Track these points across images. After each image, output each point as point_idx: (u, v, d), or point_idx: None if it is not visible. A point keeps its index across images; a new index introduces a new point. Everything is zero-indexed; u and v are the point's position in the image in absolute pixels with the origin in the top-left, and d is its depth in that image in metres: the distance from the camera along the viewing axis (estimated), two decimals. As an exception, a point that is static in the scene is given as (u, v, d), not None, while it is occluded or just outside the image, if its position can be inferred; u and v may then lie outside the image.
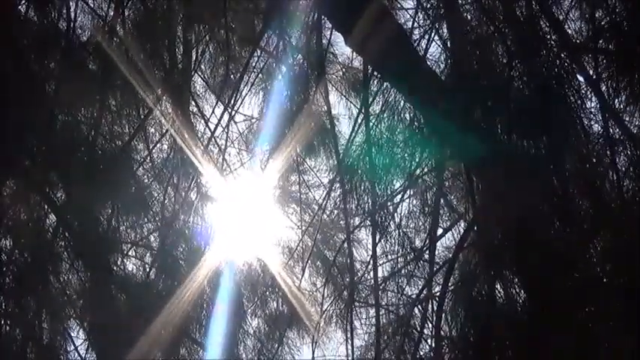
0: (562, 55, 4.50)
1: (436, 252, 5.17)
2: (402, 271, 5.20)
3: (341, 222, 5.91)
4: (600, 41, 4.62)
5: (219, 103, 6.48)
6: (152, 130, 6.33)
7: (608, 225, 4.19)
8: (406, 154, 4.95)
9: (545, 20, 4.59)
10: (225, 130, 6.38)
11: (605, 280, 4.22)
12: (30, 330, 5.61)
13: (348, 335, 5.35)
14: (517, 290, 4.43)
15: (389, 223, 5.09)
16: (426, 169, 5.00)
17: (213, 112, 6.45)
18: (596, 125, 4.48)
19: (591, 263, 4.26)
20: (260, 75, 6.42)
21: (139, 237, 6.35)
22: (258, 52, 6.31)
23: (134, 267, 6.34)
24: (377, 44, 4.59)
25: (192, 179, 6.40)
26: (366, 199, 5.06)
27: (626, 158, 4.42)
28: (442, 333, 4.70)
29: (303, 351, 6.67)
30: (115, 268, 6.06)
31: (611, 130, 4.48)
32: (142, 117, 6.13)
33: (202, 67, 6.56)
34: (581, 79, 4.52)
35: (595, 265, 4.26)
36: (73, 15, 5.83)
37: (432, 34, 4.93)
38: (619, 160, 4.42)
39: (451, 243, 5.23)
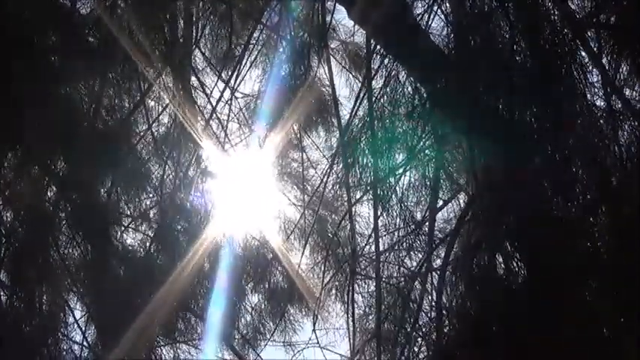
0: (565, 30, 4.50)
1: (436, 224, 5.17)
2: (402, 244, 5.19)
3: (343, 195, 5.91)
4: (602, 15, 4.62)
5: (220, 77, 6.47)
6: (152, 104, 6.33)
7: (610, 199, 4.19)
8: (408, 128, 4.94)
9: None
10: (228, 104, 6.39)
11: (605, 254, 4.23)
12: (30, 302, 5.60)
13: (349, 307, 5.35)
14: (518, 264, 4.44)
15: (390, 196, 5.09)
16: (427, 143, 5.00)
17: (216, 85, 6.45)
18: (599, 100, 4.48)
19: (592, 237, 4.26)
20: (262, 49, 6.42)
21: (138, 211, 6.35)
22: (260, 26, 6.30)
23: (133, 241, 6.35)
24: (379, 17, 4.58)
25: (192, 154, 6.40)
26: (367, 172, 5.06)
27: (628, 132, 4.42)
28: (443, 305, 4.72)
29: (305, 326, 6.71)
30: (114, 241, 6.07)
31: (613, 105, 4.48)
32: (143, 91, 6.12)
33: (203, 41, 6.54)
34: (583, 53, 4.53)
35: (596, 239, 4.26)
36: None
37: (435, 7, 4.92)
38: (621, 134, 4.42)
39: (451, 215, 5.25)
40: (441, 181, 5.18)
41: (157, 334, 5.88)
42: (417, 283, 5.05)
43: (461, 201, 5.17)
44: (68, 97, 5.63)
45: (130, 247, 6.27)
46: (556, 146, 4.41)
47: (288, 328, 6.88)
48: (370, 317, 5.37)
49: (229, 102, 6.41)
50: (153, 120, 6.36)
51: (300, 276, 6.21)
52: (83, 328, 5.77)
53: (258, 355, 6.68)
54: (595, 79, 4.49)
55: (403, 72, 4.96)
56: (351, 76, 6.54)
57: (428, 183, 5.08)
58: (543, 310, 4.02)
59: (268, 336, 6.80)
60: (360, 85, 5.73)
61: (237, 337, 6.74)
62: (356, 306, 5.35)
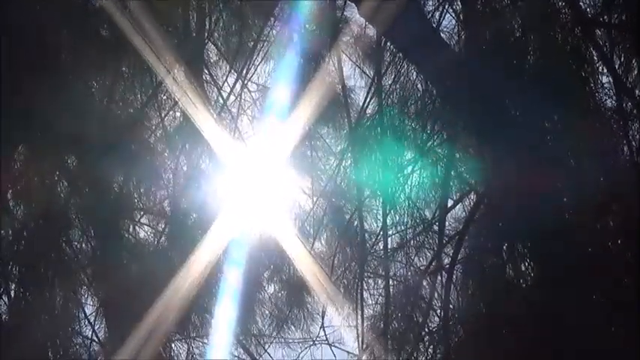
0: (576, 29, 4.49)
1: (446, 224, 5.16)
2: (412, 243, 5.20)
3: (352, 192, 5.90)
4: (614, 15, 4.60)
5: (232, 71, 6.47)
6: (165, 97, 6.32)
7: (621, 199, 4.18)
8: (418, 125, 4.94)
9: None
10: (238, 99, 6.38)
11: (615, 253, 4.22)
12: (41, 298, 5.62)
13: (358, 304, 5.36)
14: (527, 263, 4.44)
15: (399, 194, 5.09)
16: (437, 141, 4.99)
17: (226, 80, 6.44)
18: (609, 100, 4.47)
19: (602, 237, 4.25)
20: (273, 43, 6.40)
21: (150, 204, 6.35)
22: (272, 20, 6.29)
23: (146, 234, 6.34)
24: (390, 15, 4.57)
25: (204, 147, 6.39)
26: (377, 169, 5.07)
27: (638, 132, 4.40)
28: (451, 304, 4.72)
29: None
30: (126, 235, 6.07)
31: (624, 105, 4.47)
32: (155, 85, 6.12)
33: (216, 34, 6.53)
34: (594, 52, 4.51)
35: (606, 239, 4.25)
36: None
37: (446, 5, 4.91)
38: (632, 134, 4.41)
39: (461, 215, 5.23)
40: (452, 180, 5.18)
41: (169, 329, 5.87)
42: (426, 281, 5.05)
43: (471, 200, 5.16)
44: (80, 90, 5.63)
45: (143, 241, 6.27)
46: (566, 146, 4.40)
47: (305, 321, 6.85)
48: (379, 315, 5.38)
49: (240, 94, 6.39)
50: (165, 113, 6.35)
51: (310, 272, 6.19)
52: (94, 324, 5.78)
53: (267, 352, 6.67)
54: (605, 79, 4.48)
55: (413, 70, 4.96)
56: (364, 69, 6.49)
57: (437, 181, 5.07)
58: (552, 310, 4.02)
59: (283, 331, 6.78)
60: (369, 81, 5.69)
61: (251, 330, 6.72)
62: (365, 304, 5.36)
